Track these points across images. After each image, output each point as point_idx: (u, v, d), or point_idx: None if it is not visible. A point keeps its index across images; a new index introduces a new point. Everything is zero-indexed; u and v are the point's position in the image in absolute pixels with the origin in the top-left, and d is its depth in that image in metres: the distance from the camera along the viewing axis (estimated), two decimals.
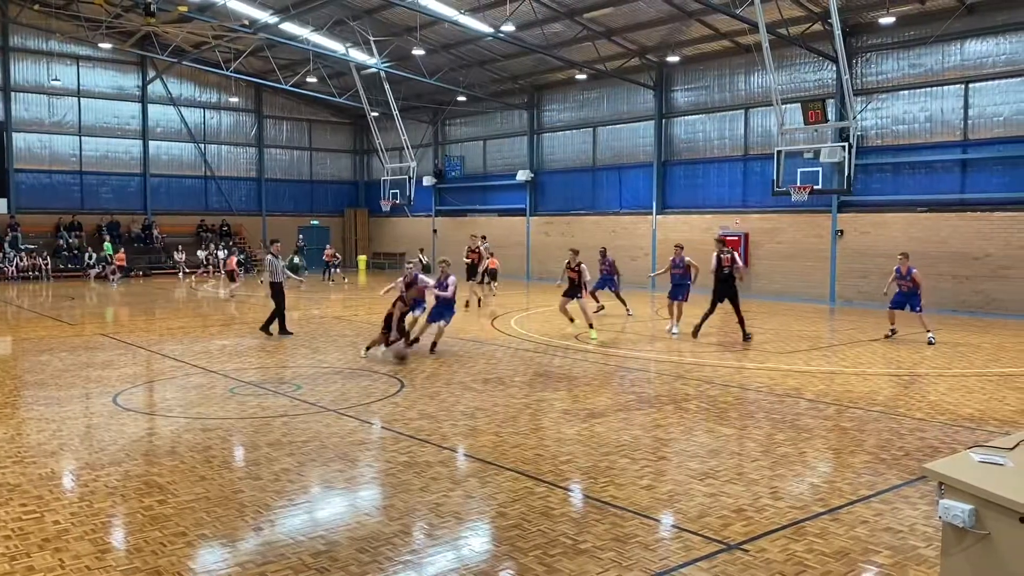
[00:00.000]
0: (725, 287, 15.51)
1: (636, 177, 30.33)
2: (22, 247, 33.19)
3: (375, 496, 6.70)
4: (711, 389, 11.08)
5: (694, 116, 28.45)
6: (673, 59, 27.47)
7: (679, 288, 16.57)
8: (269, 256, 16.59)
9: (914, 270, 15.50)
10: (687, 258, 16.68)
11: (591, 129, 32.06)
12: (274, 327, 16.18)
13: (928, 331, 15.43)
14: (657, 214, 29.32)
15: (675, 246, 17.20)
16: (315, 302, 24.48)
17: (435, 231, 39.27)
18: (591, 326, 15.99)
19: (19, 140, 34.22)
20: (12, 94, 33.97)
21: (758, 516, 6.08)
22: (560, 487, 6.82)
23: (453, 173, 38.52)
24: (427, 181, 37.80)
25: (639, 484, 6.84)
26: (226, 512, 6.15)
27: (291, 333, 16.24)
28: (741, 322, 15.57)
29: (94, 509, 6.21)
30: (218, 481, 6.93)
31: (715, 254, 15.66)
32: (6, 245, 32.99)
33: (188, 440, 8.27)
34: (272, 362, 13.28)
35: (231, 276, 27.36)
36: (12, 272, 32.13)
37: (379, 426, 8.99)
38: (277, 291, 16.13)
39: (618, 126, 31.03)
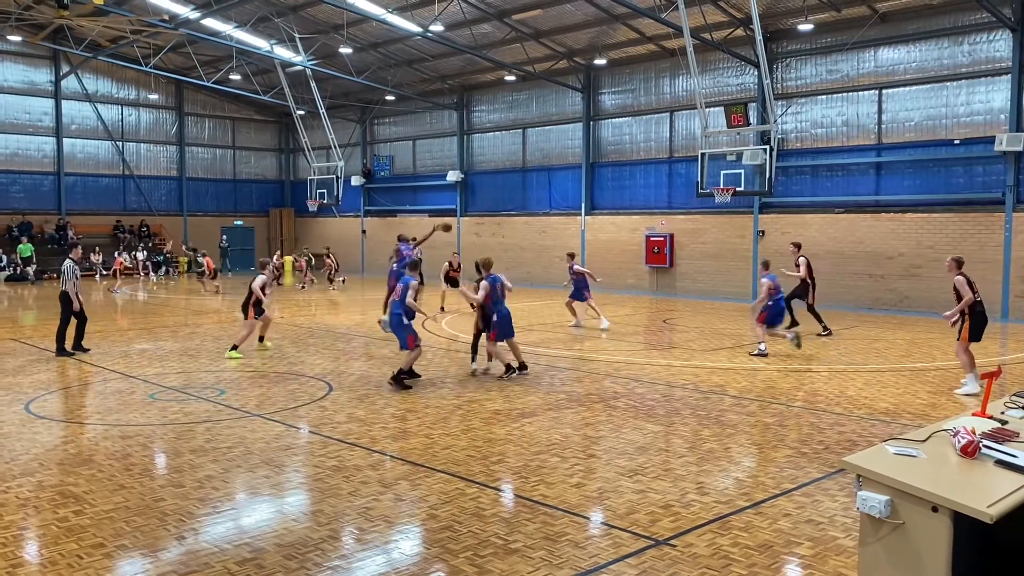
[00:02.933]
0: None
1: (565, 178, 30.58)
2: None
3: (303, 502, 6.58)
4: (639, 387, 11.24)
5: (621, 119, 28.83)
6: (600, 62, 27.78)
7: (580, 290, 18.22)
8: (68, 261, 14.26)
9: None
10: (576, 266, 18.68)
11: (520, 130, 32.19)
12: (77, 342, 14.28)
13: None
14: (586, 215, 29.62)
15: (568, 254, 19.47)
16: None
17: (364, 231, 38.85)
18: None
19: None
20: None
21: (685, 512, 6.19)
22: (491, 487, 6.82)
23: (382, 173, 38.19)
24: (355, 181, 37.38)
25: (569, 482, 6.89)
26: (147, 521, 5.96)
27: (87, 349, 14.22)
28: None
29: (4, 522, 5.94)
30: (138, 490, 6.71)
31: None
32: None
33: (106, 448, 7.98)
34: (195, 366, 12.93)
35: (115, 275, 27.40)
36: None
37: (307, 430, 8.84)
38: (65, 300, 14.00)
39: (547, 127, 31.23)
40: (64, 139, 36.09)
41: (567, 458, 7.63)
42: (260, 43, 31.08)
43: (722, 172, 23.41)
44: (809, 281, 16.75)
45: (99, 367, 12.74)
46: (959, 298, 10.61)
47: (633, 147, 28.56)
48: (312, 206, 34.76)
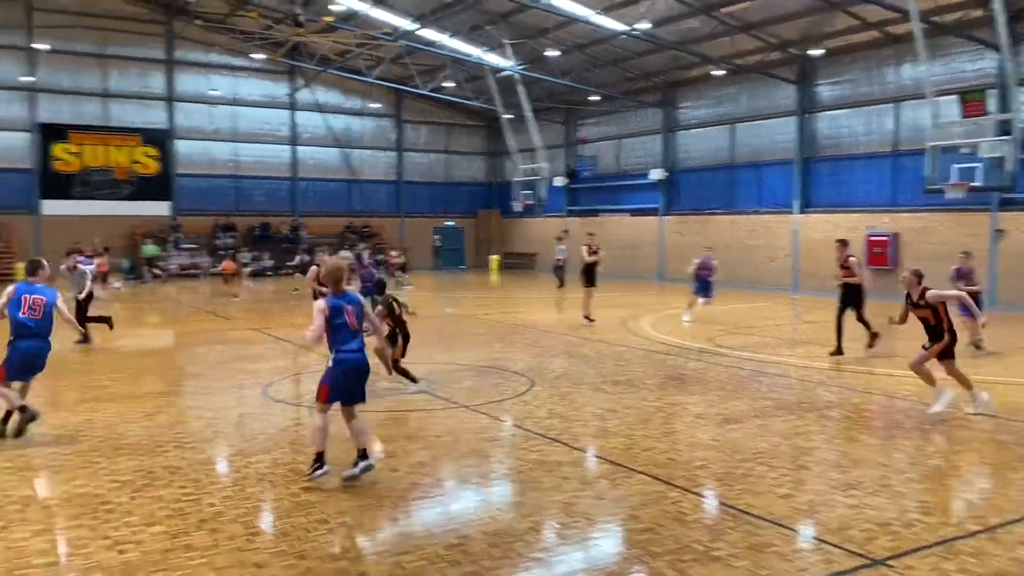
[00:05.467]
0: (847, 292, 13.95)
1: (775, 174, 29.33)
2: (182, 247, 35.67)
3: (506, 492, 6.79)
4: (854, 396, 10.58)
5: (839, 111, 27.20)
6: (816, 52, 26.38)
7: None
8: (85, 269, 15.41)
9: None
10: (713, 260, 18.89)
11: (728, 126, 31.25)
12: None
13: None
14: (798, 213, 28.25)
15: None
16: (454, 301, 25.06)
17: (567, 231, 39.33)
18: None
19: (181, 147, 36.82)
20: (175, 104, 36.58)
21: (905, 532, 5.76)
22: (693, 493, 6.70)
23: (585, 173, 38.50)
24: (559, 181, 37.91)
25: (776, 493, 6.62)
26: (364, 502, 6.40)
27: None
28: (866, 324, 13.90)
29: (246, 494, 6.60)
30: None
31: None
32: (169, 245, 35.55)
33: (334, 432, 8.63)
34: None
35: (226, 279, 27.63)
36: (175, 270, 34.52)
37: (510, 423, 9.10)
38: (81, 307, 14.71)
39: (757, 122, 30.10)
40: (298, 147, 39.52)
41: (775, 467, 7.34)
42: (472, 50, 32.35)
43: (954, 166, 21.42)
44: (861, 285, 13.91)
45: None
46: None
47: (852, 140, 26.87)
48: (517, 207, 35.72)
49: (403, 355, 10.79)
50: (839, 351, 13.53)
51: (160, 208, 36.37)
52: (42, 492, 6.74)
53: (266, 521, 6.07)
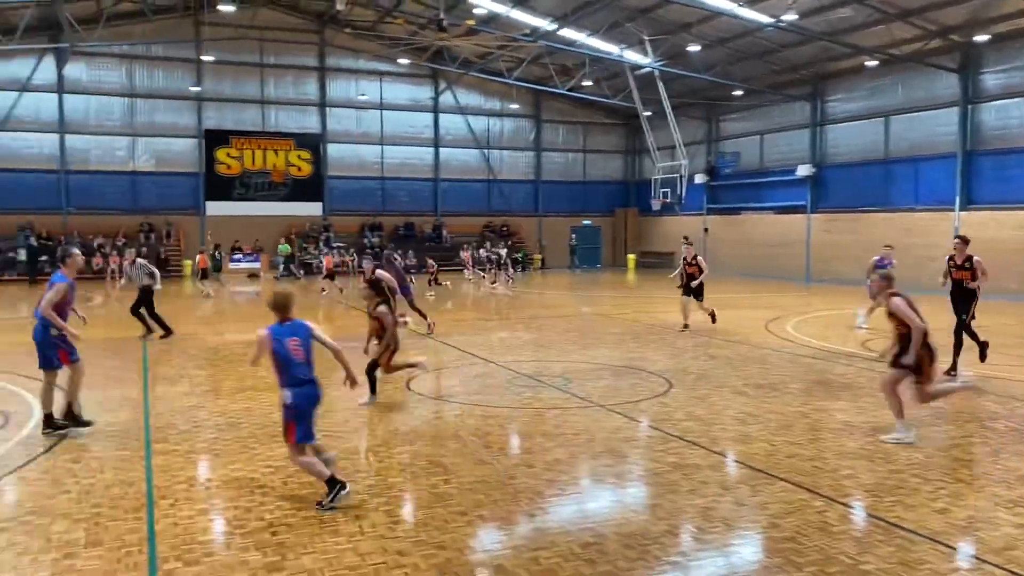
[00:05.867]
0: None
1: (934, 170, 27.58)
2: (333, 245, 37.38)
3: (642, 494, 6.73)
4: (1021, 407, 9.80)
5: (1008, 100, 25.28)
6: (982, 38, 24.59)
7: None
8: (138, 262, 16.40)
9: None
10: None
11: (882, 119, 29.65)
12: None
13: None
14: (960, 210, 26.44)
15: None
16: (590, 300, 25.04)
17: (706, 229, 38.47)
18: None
19: (332, 150, 38.64)
20: (327, 109, 38.40)
21: None
22: (840, 503, 6.40)
23: (726, 170, 37.53)
24: (699, 179, 37.14)
25: (932, 507, 6.24)
26: (503, 496, 6.50)
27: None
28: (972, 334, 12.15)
29: (388, 483, 6.86)
30: (495, 466, 7.34)
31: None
32: (320, 243, 37.36)
33: (470, 425, 8.84)
34: (546, 356, 13.79)
35: (331, 276, 27.53)
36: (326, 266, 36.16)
37: (647, 425, 9.01)
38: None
39: (913, 114, 28.41)
40: (440, 148, 40.60)
41: (930, 480, 6.91)
42: (611, 48, 32.18)
43: None
44: (976, 289, 11.91)
45: (465, 352, 14.13)
46: None
47: (1021, 132, 24.90)
48: (656, 205, 35.25)
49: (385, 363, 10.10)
50: (982, 356, 11.92)
51: (312, 208, 38.34)
52: (204, 474, 7.25)
53: (407, 511, 6.29)
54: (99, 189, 35.01)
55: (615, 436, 8.43)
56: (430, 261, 28.81)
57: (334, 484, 6.21)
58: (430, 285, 26.82)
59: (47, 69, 33.76)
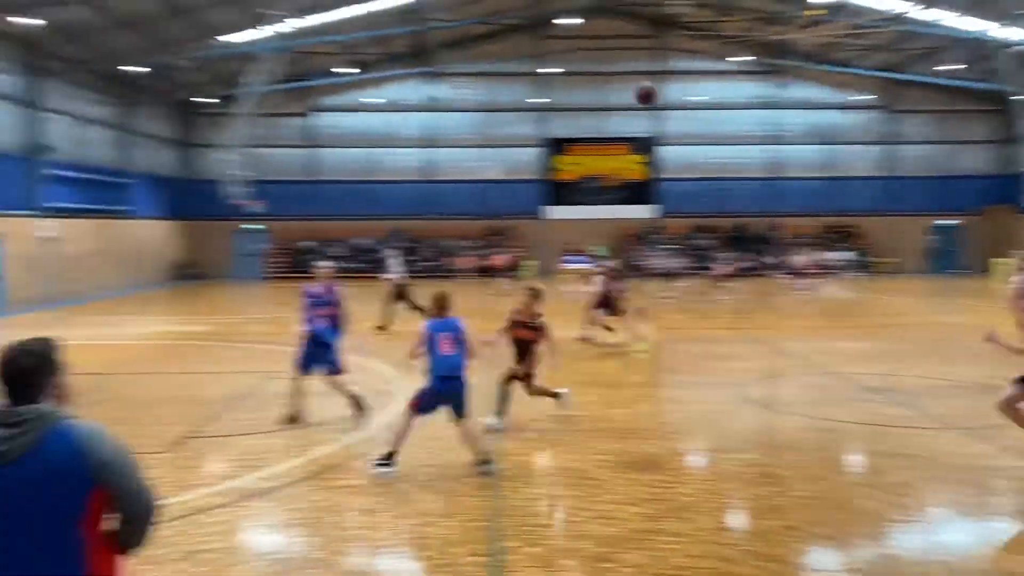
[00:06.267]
0: None
1: None
2: (662, 248, 37.63)
3: (1011, 530, 5.94)
4: None
5: None
6: None
7: None
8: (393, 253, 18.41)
9: None
10: None
11: None
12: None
13: None
14: None
15: None
16: (950, 309, 22.54)
17: None
18: None
19: (665, 152, 38.95)
20: (661, 112, 38.76)
21: None
22: None
23: None
24: None
25: None
26: (841, 516, 6.13)
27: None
28: None
29: (717, 489, 6.80)
30: (833, 482, 6.94)
31: None
32: (650, 246, 37.84)
33: (806, 438, 8.43)
34: (893, 369, 12.66)
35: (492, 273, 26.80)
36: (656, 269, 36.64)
37: (1015, 453, 7.91)
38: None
39: None
40: (777, 146, 39.07)
41: None
42: (979, 26, 28.59)
43: None
44: None
45: (804, 359, 13.47)
46: None
47: None
48: None
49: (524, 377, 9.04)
50: None
51: (644, 211, 38.97)
52: (542, 462, 7.74)
53: (736, 519, 6.18)
54: (450, 197, 38.77)
55: (972, 463, 7.52)
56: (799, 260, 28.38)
57: (390, 457, 6.97)
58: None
59: (414, 89, 38.23)
